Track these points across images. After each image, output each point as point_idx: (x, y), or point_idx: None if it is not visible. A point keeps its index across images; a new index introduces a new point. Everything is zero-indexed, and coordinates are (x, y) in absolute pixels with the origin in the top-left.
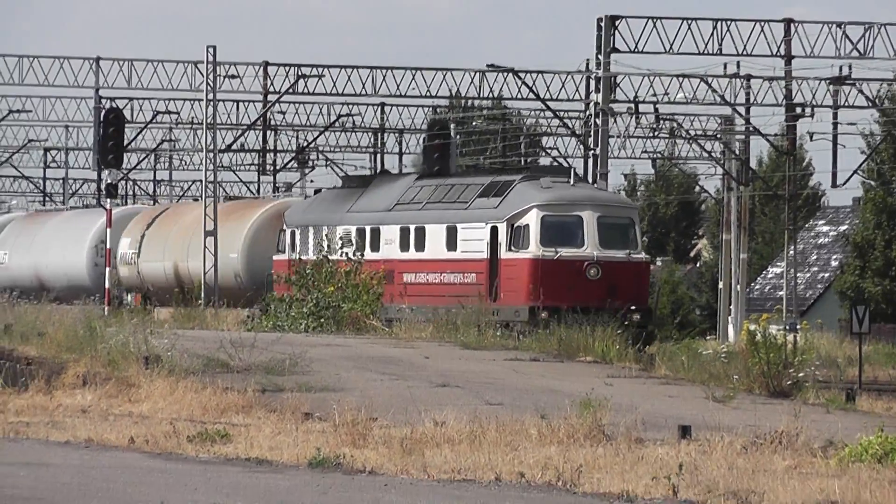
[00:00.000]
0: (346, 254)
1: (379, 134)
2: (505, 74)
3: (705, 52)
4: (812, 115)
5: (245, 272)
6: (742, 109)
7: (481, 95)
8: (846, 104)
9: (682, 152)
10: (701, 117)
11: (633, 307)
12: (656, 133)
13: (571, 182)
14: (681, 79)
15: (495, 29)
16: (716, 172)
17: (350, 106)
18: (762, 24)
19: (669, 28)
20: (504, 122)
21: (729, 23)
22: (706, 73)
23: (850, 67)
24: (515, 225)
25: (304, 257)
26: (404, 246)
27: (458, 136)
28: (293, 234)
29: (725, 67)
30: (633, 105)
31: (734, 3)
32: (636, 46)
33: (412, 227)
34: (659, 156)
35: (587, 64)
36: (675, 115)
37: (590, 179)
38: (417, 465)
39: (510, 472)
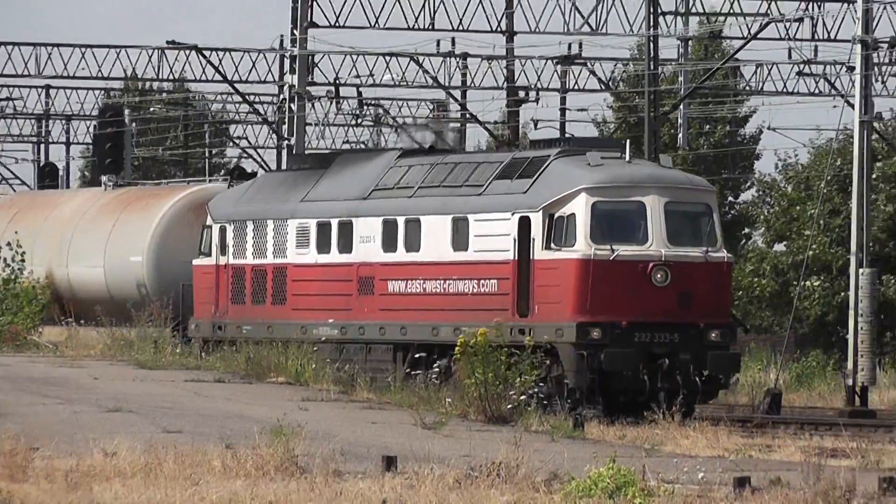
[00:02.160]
0: (5, 259)
1: (43, 121)
2: (187, 53)
3: (415, 27)
4: (537, 100)
5: (153, 280)
6: (458, 93)
7: (160, 77)
8: (576, 87)
9: (388, 142)
10: (411, 102)
11: (711, 323)
12: (360, 120)
13: (627, 158)
14: (388, 58)
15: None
16: None
17: (10, 89)
18: None
19: None
20: (187, 108)
21: None
22: (416, 52)
23: (580, 45)
24: (556, 215)
25: (240, 261)
26: (389, 244)
27: (133, 124)
28: (223, 231)
29: (439, 45)
30: (333, 88)
31: None
32: (337, 20)
33: (401, 220)
34: (363, 146)
35: (281, 41)
36: (382, 99)
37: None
38: (84, 501)
39: None
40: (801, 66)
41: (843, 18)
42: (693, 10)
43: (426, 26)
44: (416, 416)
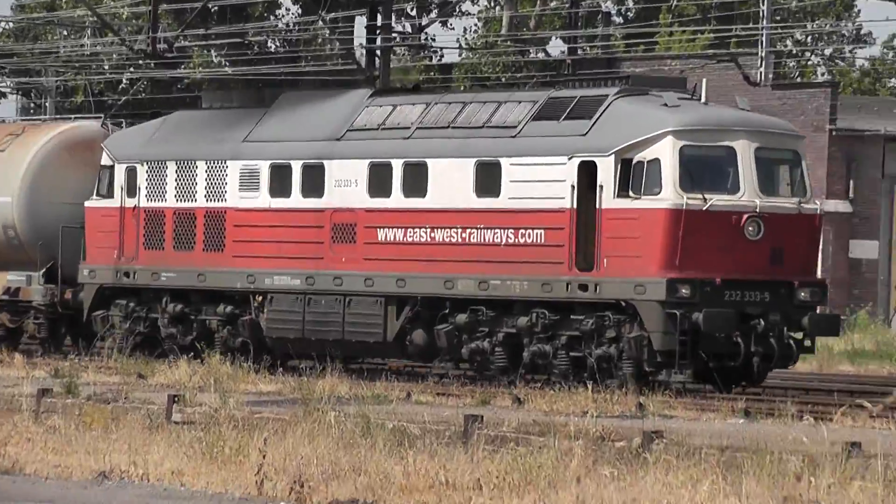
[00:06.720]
0: None
1: None
2: None
3: None
4: None
5: (25, 224)
6: None
7: None
8: None
9: None
10: None
11: (804, 281)
12: None
13: (702, 99)
14: None
15: None
16: None
17: None
18: None
19: None
20: None
21: None
22: None
23: None
24: (635, 160)
25: (157, 204)
26: (378, 189)
27: None
28: (132, 172)
29: None
30: None
31: None
32: None
33: (397, 163)
34: None
35: None
36: None
37: None
38: None
39: None
40: None
41: None
42: None
43: None
44: None
